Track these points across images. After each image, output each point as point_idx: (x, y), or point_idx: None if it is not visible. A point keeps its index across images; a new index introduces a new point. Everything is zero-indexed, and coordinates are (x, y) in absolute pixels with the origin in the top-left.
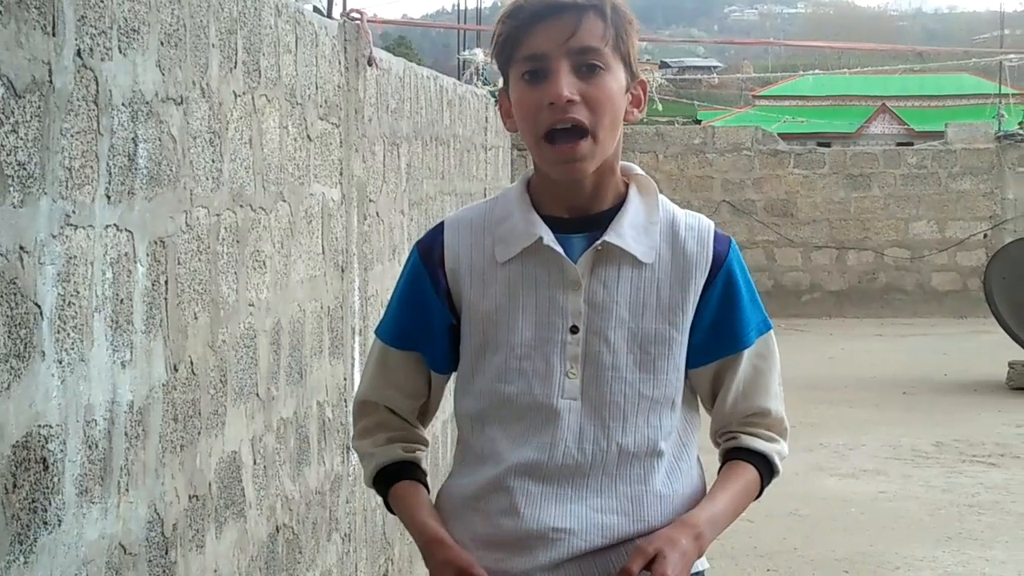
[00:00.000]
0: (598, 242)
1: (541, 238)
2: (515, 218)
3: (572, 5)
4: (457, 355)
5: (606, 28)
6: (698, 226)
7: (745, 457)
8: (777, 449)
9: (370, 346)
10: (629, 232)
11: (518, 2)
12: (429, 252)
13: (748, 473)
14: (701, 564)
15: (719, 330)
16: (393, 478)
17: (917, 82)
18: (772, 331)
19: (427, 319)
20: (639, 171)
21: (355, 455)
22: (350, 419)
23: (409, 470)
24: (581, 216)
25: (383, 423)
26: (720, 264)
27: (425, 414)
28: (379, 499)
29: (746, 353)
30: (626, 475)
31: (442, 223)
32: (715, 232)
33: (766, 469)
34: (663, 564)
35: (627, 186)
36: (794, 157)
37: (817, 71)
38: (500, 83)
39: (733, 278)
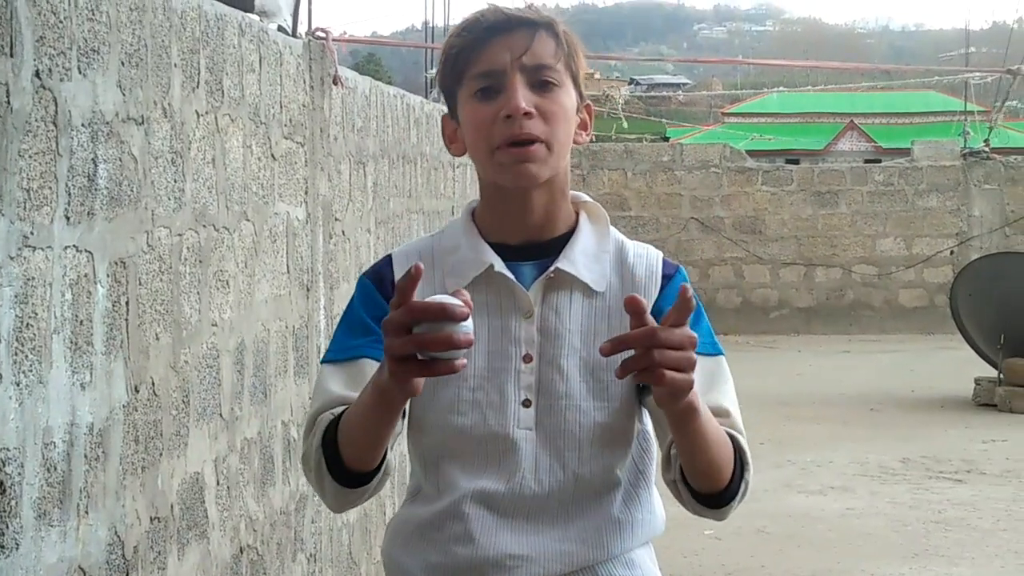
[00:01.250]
0: (551, 269)
1: (492, 265)
2: (463, 248)
3: (524, 21)
4: None
5: (558, 46)
6: (647, 254)
7: None
8: (743, 442)
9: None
10: (581, 259)
11: (467, 21)
12: (380, 280)
13: (724, 431)
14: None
15: None
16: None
17: (884, 99)
18: (724, 357)
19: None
20: (589, 199)
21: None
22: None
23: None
24: (530, 243)
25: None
26: (667, 282)
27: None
28: (346, 516)
29: (697, 359)
30: (583, 505)
31: (389, 256)
32: (663, 260)
33: (736, 453)
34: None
35: (577, 215)
36: (762, 174)
37: (784, 88)
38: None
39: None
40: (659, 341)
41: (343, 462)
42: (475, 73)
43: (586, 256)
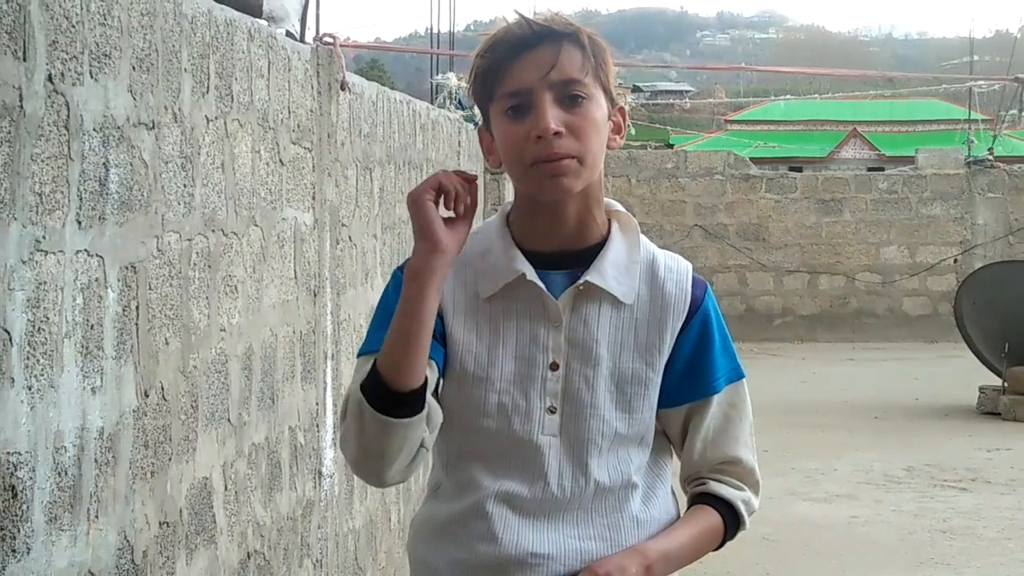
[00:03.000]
0: (580, 282)
1: (524, 274)
2: (496, 253)
3: (549, 35)
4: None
5: (585, 58)
6: (677, 268)
7: (710, 503)
8: (743, 498)
9: (352, 369)
10: (611, 272)
11: (494, 37)
12: None
13: (711, 518)
14: None
15: (690, 374)
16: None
17: (888, 107)
18: (744, 380)
19: None
20: (621, 208)
21: (339, 463)
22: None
23: None
24: (563, 252)
25: None
26: (696, 308)
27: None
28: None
29: (715, 399)
30: (602, 507)
31: None
32: (693, 276)
33: (731, 518)
34: None
35: (609, 223)
36: (766, 182)
37: (789, 96)
38: (480, 119)
39: (708, 323)
40: None
41: (384, 385)
42: (504, 92)
43: (616, 268)
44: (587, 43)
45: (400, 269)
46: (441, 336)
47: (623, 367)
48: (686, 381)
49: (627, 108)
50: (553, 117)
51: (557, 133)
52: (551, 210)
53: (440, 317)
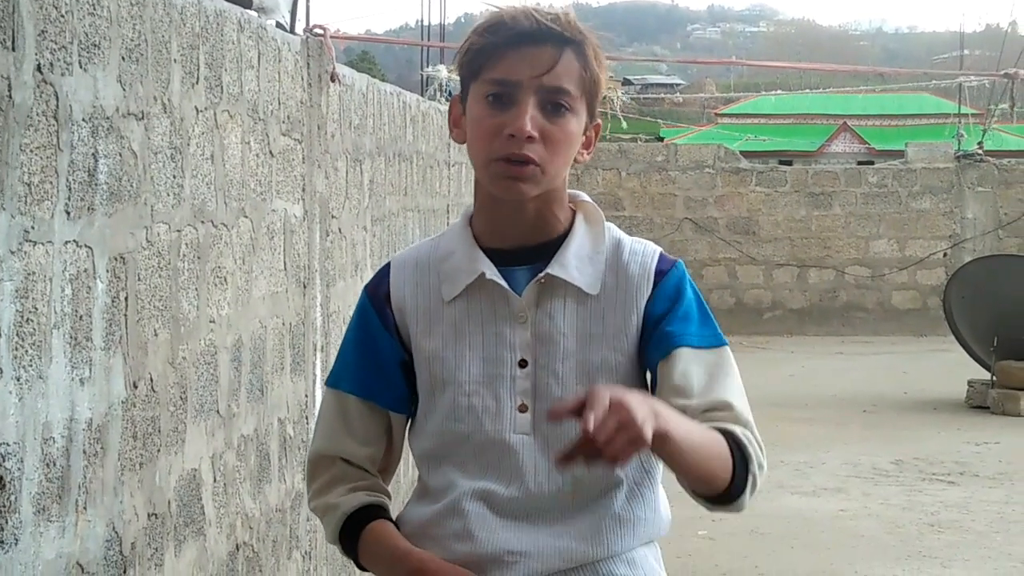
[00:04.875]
0: (541, 275)
1: (483, 273)
2: (458, 255)
3: (553, 36)
4: (415, 393)
5: (582, 70)
6: (643, 251)
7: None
8: (745, 434)
9: (322, 396)
10: (573, 263)
11: (498, 18)
12: (376, 292)
13: (716, 433)
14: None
15: (666, 326)
16: (364, 522)
17: (878, 102)
18: (727, 347)
19: (380, 358)
20: (587, 199)
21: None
22: (311, 436)
23: (379, 513)
24: (524, 247)
25: (342, 476)
26: (660, 280)
27: (387, 467)
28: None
29: (693, 353)
30: (583, 504)
31: (388, 264)
32: (660, 255)
33: (736, 450)
34: (625, 401)
35: (574, 215)
36: (756, 175)
37: (779, 90)
38: (456, 87)
39: (678, 292)
40: (600, 444)
41: (358, 557)
42: (491, 78)
43: (579, 259)
44: (590, 55)
45: (366, 289)
46: (405, 365)
47: (592, 358)
48: (662, 334)
49: (617, 104)
50: (531, 120)
51: (531, 137)
52: (510, 207)
53: (403, 334)
